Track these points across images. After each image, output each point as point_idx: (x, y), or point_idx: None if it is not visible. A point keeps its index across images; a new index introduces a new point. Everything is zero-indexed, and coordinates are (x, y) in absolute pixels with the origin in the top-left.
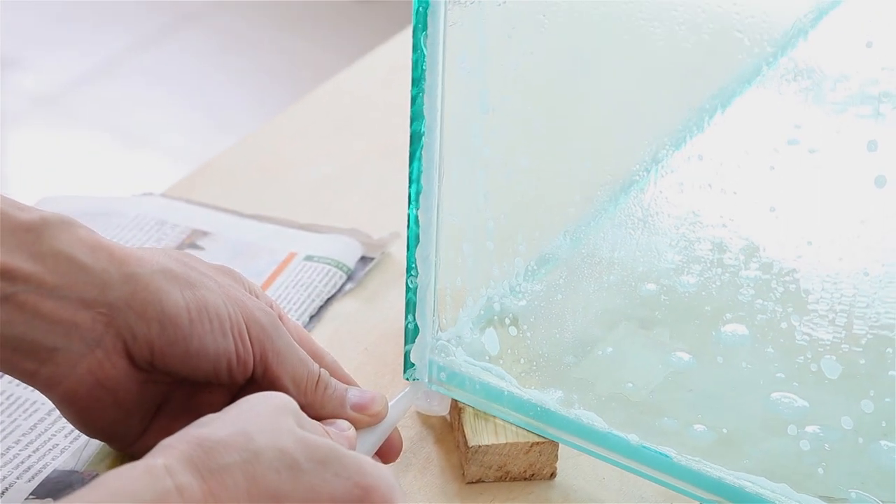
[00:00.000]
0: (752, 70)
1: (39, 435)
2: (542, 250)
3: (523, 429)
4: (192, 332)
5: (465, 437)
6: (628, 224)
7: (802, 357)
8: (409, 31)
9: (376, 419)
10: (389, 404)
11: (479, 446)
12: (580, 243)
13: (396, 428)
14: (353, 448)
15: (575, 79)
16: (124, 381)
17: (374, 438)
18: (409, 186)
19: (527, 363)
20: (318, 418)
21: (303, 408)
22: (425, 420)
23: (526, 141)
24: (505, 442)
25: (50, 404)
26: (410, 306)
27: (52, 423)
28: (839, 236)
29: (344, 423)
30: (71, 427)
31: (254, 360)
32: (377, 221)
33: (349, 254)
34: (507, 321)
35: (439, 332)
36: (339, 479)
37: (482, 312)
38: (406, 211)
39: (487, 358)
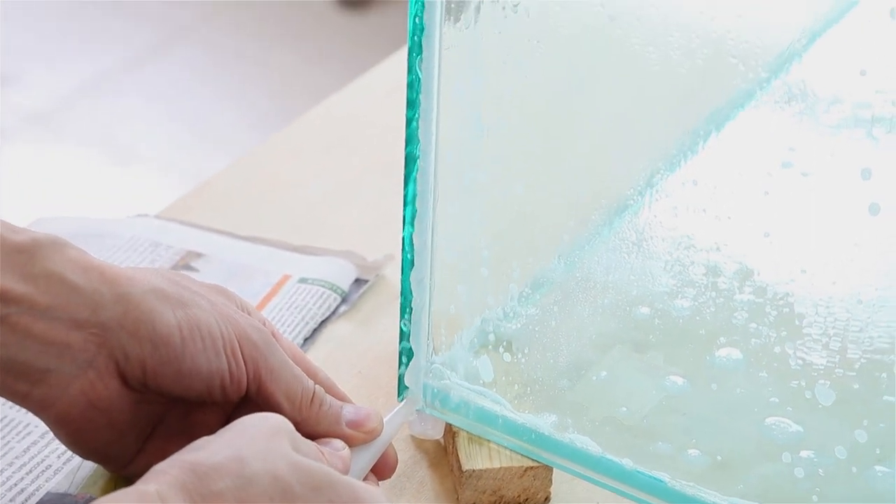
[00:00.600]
0: (746, 93)
1: (33, 457)
2: (536, 274)
3: (517, 453)
4: (184, 351)
5: (459, 461)
6: (622, 248)
7: (796, 382)
8: (405, 51)
9: (372, 436)
10: (384, 420)
11: (474, 471)
12: (574, 267)
13: (391, 444)
14: (347, 468)
15: (570, 103)
16: (117, 402)
17: (370, 455)
18: (404, 208)
19: (521, 388)
20: (314, 435)
21: (298, 425)
22: (419, 444)
23: (520, 165)
24: (499, 466)
25: (44, 426)
26: (405, 330)
27: (46, 445)
28: (833, 260)
29: (338, 443)
30: (64, 448)
31: (247, 378)
32: (373, 242)
33: (343, 276)
34: (502, 347)
35: (434, 355)
36: None
37: (476, 336)
38: (401, 233)
39: (482, 382)
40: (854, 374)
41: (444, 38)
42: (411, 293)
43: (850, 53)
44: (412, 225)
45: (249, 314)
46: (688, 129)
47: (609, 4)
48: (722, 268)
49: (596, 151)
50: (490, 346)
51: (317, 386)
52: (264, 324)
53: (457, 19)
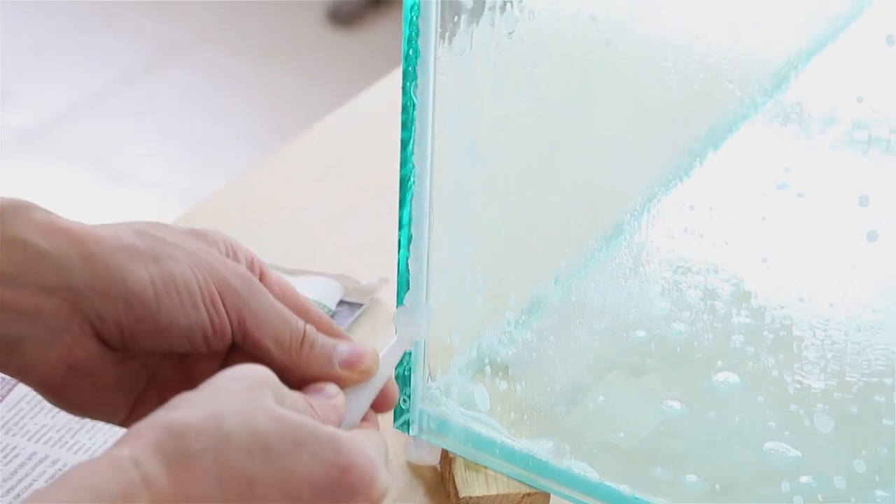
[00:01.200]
0: (741, 115)
1: (20, 481)
2: (532, 298)
3: (515, 480)
4: (159, 307)
5: (455, 488)
6: (618, 272)
7: (794, 406)
8: (398, 71)
9: (366, 376)
10: (380, 356)
11: (471, 497)
12: (570, 291)
13: (391, 376)
14: (340, 416)
15: (564, 127)
16: (99, 364)
17: (366, 395)
18: (400, 232)
19: (518, 414)
20: (306, 379)
21: (289, 369)
22: (415, 470)
23: (516, 189)
24: (496, 493)
25: (26, 452)
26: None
27: (33, 469)
28: (830, 283)
29: (331, 389)
30: (53, 472)
31: (231, 327)
32: (367, 265)
33: (328, 295)
34: (498, 376)
35: (430, 381)
36: (316, 460)
37: (473, 362)
38: (396, 256)
39: (478, 408)
40: (852, 397)
41: (438, 63)
42: None
43: (845, 74)
44: (407, 249)
45: (236, 255)
46: (683, 151)
47: (604, 29)
48: (719, 291)
49: (591, 175)
50: (486, 374)
51: (308, 326)
52: (252, 263)
53: (451, 44)
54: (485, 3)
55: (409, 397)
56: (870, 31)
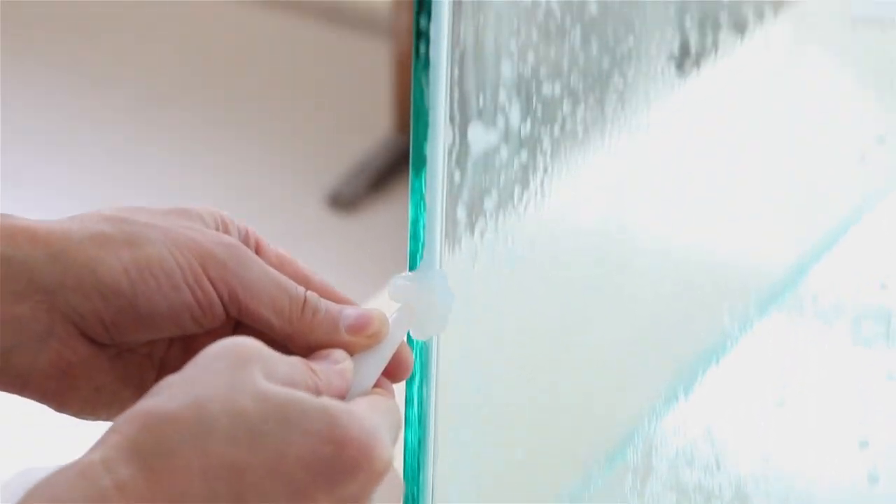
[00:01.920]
0: (740, 327)
1: None
2: None
3: None
4: (136, 295)
5: None
6: (621, 495)
7: None
8: (401, 270)
9: (375, 340)
10: (390, 320)
11: None
12: None
13: (404, 341)
14: (347, 382)
15: (564, 345)
16: (93, 363)
17: (376, 361)
18: (405, 460)
19: None
20: (311, 348)
21: (292, 339)
22: None
23: (516, 413)
24: None
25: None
26: None
27: None
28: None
29: (338, 354)
30: None
31: (222, 302)
32: None
33: None
34: None
35: None
36: (308, 437)
37: None
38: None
39: None
40: None
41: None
42: None
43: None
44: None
45: (226, 228)
46: (682, 367)
47: (603, 247)
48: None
49: (592, 395)
50: None
51: (308, 292)
52: (248, 235)
53: (454, 251)
54: (476, 229)
55: None
56: (870, 236)
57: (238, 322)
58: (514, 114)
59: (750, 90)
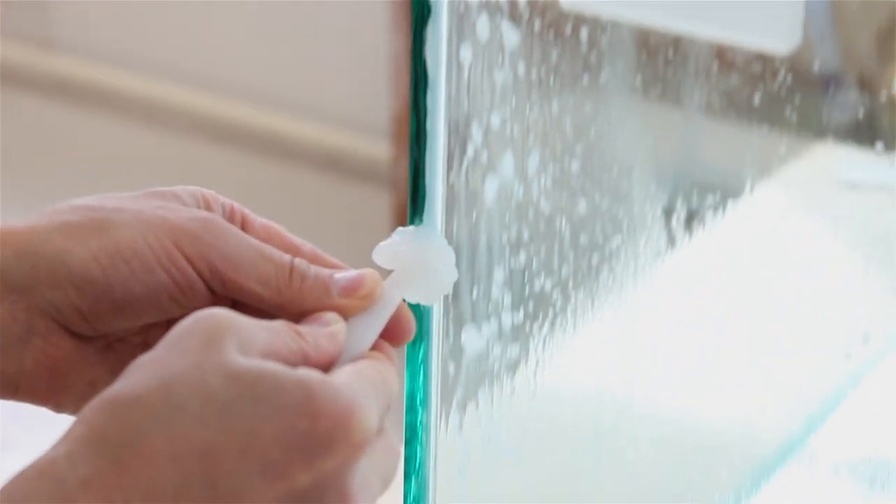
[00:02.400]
0: (736, 496)
1: None
2: None
3: None
4: (109, 281)
5: None
6: None
7: None
8: None
9: (369, 300)
10: (385, 282)
11: None
12: None
13: (403, 303)
14: (339, 344)
15: None
16: (80, 357)
17: (372, 323)
18: None
19: None
20: (304, 315)
21: (283, 308)
22: None
23: None
24: None
25: None
26: None
27: None
28: None
29: (329, 317)
30: None
31: (203, 278)
32: None
33: None
34: None
35: None
36: (281, 413)
37: None
38: None
39: None
40: None
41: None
42: None
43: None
44: None
45: (208, 205)
46: None
47: (599, 417)
48: None
49: None
50: None
51: (296, 259)
52: (232, 211)
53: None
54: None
55: None
56: (869, 400)
57: (235, 300)
58: (507, 311)
59: (739, 256)
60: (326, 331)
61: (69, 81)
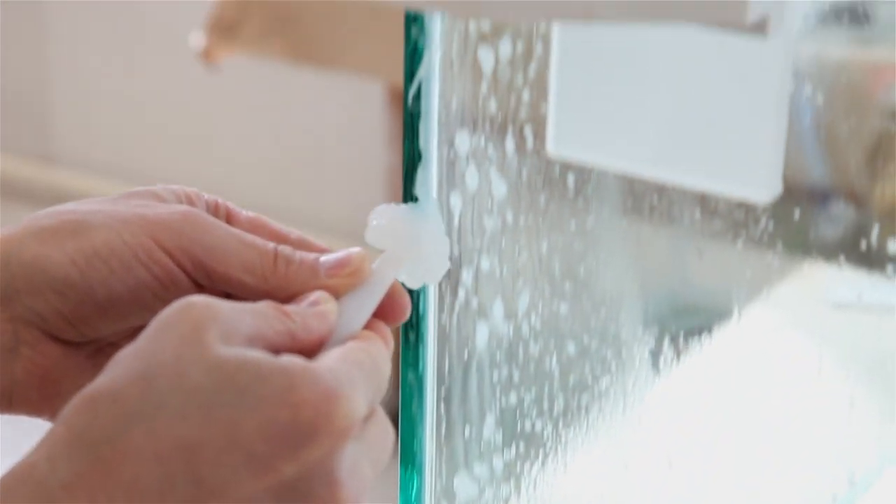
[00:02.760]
0: None
1: None
2: None
3: None
4: (89, 284)
5: None
6: None
7: None
8: None
9: (357, 277)
10: (377, 262)
11: None
12: None
13: (396, 282)
14: (329, 323)
15: None
16: (70, 364)
17: (364, 300)
18: None
19: None
20: (291, 299)
21: (272, 295)
22: None
23: None
24: None
25: None
26: None
27: None
28: None
29: (318, 296)
30: None
31: (186, 272)
32: None
33: None
34: None
35: None
36: (263, 403)
37: None
38: None
39: None
40: None
41: None
42: None
43: None
44: None
45: (191, 200)
46: None
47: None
48: None
49: None
50: None
51: (280, 246)
52: (217, 206)
53: None
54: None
55: None
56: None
57: (226, 292)
58: (499, 451)
59: (728, 379)
60: (316, 310)
61: (68, 195)
